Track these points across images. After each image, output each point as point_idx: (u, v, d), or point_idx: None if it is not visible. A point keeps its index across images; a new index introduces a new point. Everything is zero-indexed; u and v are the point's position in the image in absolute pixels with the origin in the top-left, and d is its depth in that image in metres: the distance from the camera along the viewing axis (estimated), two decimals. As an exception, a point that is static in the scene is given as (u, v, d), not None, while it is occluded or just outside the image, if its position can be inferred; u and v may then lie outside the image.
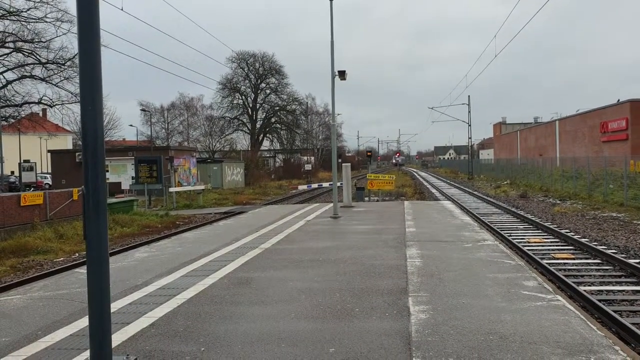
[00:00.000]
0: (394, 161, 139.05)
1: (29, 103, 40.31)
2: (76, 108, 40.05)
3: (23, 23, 37.17)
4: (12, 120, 42.53)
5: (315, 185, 42.60)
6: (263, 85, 78.00)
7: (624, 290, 9.84)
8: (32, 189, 39.26)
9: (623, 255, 12.65)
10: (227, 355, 4.85)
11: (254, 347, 5.03)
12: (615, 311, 8.22)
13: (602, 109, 44.50)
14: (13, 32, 37.35)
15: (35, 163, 42.67)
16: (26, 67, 38.51)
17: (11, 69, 38.37)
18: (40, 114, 53.24)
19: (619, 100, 43.01)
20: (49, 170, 52.79)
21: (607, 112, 43.16)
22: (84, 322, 5.68)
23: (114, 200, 28.16)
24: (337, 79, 17.59)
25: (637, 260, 11.79)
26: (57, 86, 39.10)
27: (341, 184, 21.73)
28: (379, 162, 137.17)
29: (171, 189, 32.27)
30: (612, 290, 9.86)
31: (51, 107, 40.94)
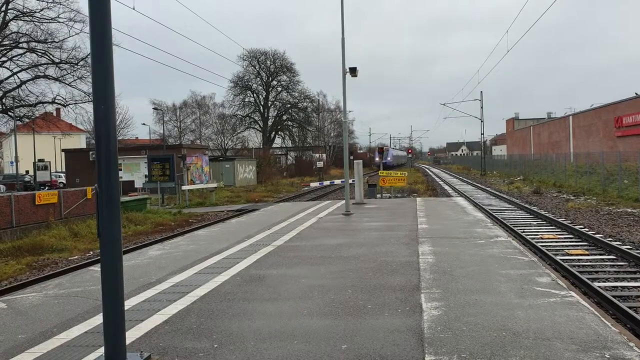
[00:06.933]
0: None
1: (43, 103, 40.73)
2: (89, 107, 40.39)
3: (36, 23, 37.60)
4: (27, 120, 42.99)
5: (327, 183, 42.50)
6: (274, 82, 78.22)
7: (639, 287, 9.75)
8: (46, 187, 39.62)
9: (638, 251, 12.53)
10: (240, 351, 4.87)
11: (267, 343, 5.05)
12: (630, 307, 8.15)
13: (617, 104, 44.06)
14: (27, 32, 37.79)
15: (50, 162, 43.00)
16: (40, 67, 38.92)
17: (25, 69, 38.78)
18: (54, 114, 53.82)
19: (637, 94, 42.53)
20: (63, 169, 53.29)
21: (621, 107, 42.72)
22: (98, 319, 5.73)
23: (127, 198, 28.36)
24: (348, 75, 17.56)
25: (653, 256, 11.66)
26: (70, 86, 39.53)
27: (353, 181, 21.70)
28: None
29: (184, 187, 32.41)
30: (627, 287, 9.77)
31: (65, 106, 41.35)
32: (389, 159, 79.02)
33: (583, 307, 5.95)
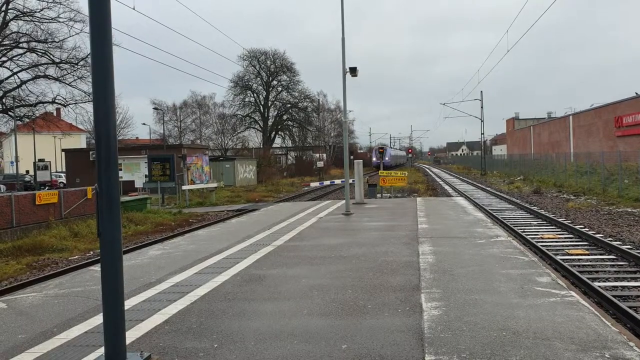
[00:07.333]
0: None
1: (43, 102, 40.72)
2: (89, 107, 40.32)
3: (37, 23, 37.58)
4: (27, 120, 43.00)
5: (327, 183, 42.50)
6: (275, 82, 78.18)
7: (639, 286, 9.75)
8: (46, 187, 39.62)
9: (638, 251, 12.52)
10: (240, 351, 4.87)
11: (267, 343, 5.05)
12: (630, 307, 8.15)
13: (617, 103, 44.07)
14: (27, 32, 37.77)
15: (50, 162, 42.97)
16: (40, 67, 38.89)
17: (25, 69, 38.76)
18: (54, 114, 53.79)
19: (637, 94, 42.53)
20: (64, 169, 53.29)
21: (621, 107, 42.72)
22: (98, 319, 5.73)
23: (127, 198, 28.35)
24: (348, 75, 17.55)
25: (653, 256, 11.65)
26: (70, 86, 39.53)
27: (353, 180, 21.69)
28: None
29: (184, 187, 32.41)
30: (627, 286, 9.77)
31: (65, 106, 41.34)
32: (386, 159, 72.03)
33: (583, 306, 5.95)
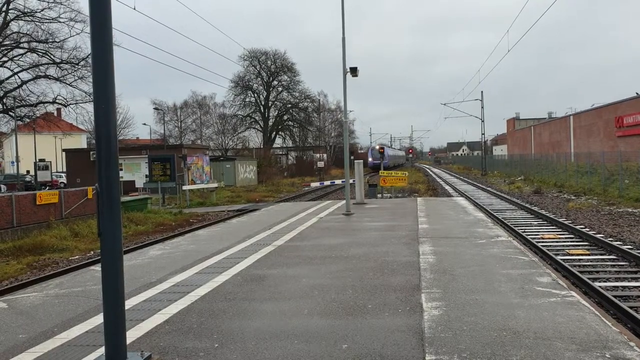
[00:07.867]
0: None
1: (44, 103, 40.73)
2: (90, 107, 40.31)
3: (37, 23, 37.61)
4: (27, 120, 43.01)
5: (327, 183, 42.50)
6: (275, 82, 78.27)
7: (639, 287, 9.75)
8: (47, 187, 39.64)
9: (639, 251, 12.52)
10: (240, 351, 4.87)
11: (268, 343, 5.05)
12: (631, 307, 8.15)
13: (618, 104, 44.06)
14: (27, 32, 37.81)
15: (50, 162, 43.00)
16: (40, 67, 38.89)
17: (26, 69, 38.78)
18: (55, 114, 53.78)
19: (637, 94, 42.52)
20: (64, 169, 53.31)
21: (622, 107, 42.72)
22: (99, 319, 5.73)
23: (127, 198, 28.35)
24: (348, 75, 17.54)
25: (653, 256, 11.64)
26: (71, 86, 39.54)
27: (353, 181, 21.69)
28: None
29: (184, 187, 32.42)
30: (627, 287, 9.77)
31: (65, 106, 41.34)
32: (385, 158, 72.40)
33: (583, 307, 5.94)
